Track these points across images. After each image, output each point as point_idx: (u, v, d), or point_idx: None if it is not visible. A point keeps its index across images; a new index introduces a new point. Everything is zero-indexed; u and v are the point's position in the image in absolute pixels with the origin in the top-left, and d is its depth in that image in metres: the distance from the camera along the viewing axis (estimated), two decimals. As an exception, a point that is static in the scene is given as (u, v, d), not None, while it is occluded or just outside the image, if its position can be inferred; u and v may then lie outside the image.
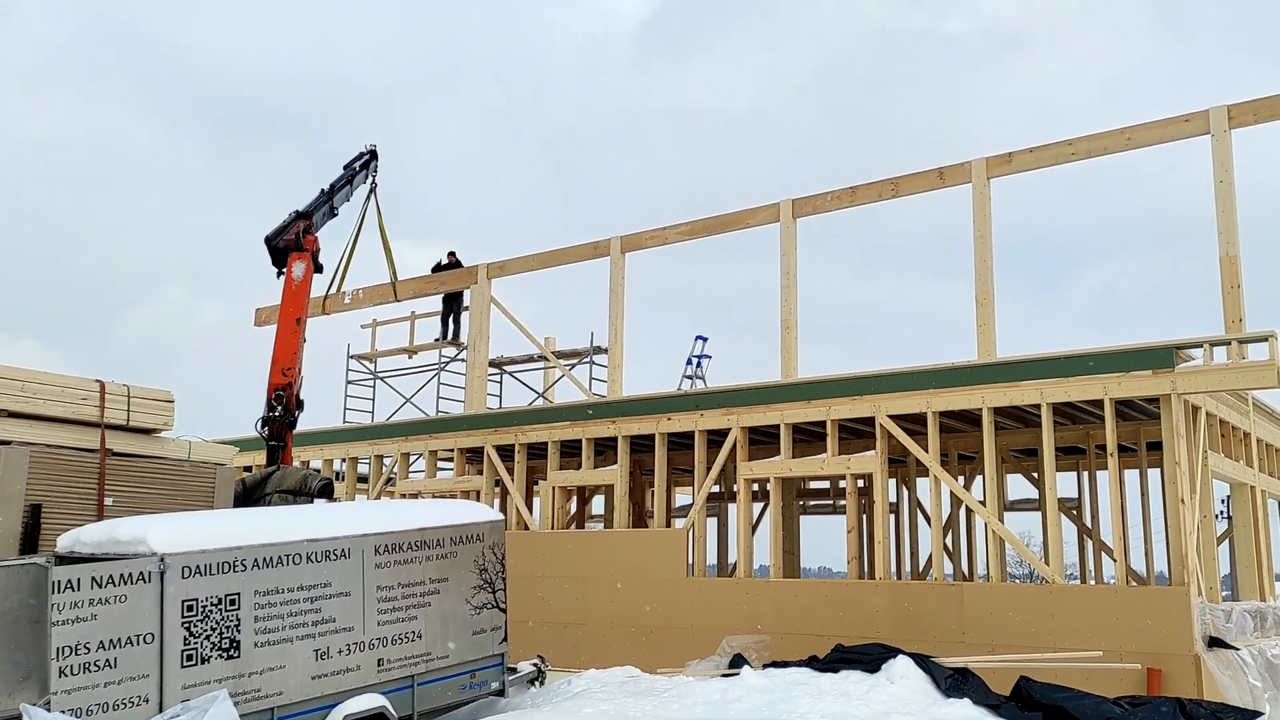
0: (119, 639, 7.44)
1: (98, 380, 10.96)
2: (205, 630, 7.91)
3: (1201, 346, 11.93)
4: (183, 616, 7.79)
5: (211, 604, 7.98)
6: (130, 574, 7.57)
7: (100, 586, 7.41)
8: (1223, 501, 21.16)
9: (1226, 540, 15.82)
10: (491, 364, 21.96)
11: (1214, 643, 11.64)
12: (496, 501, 18.66)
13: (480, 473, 18.18)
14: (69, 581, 7.29)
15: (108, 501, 10.56)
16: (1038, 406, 12.91)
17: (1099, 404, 12.83)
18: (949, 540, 18.18)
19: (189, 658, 7.79)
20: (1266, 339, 11.59)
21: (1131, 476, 16.91)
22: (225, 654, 8.01)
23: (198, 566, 7.94)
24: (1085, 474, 17.44)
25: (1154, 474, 16.32)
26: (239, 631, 8.12)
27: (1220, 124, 13.40)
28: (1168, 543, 12.05)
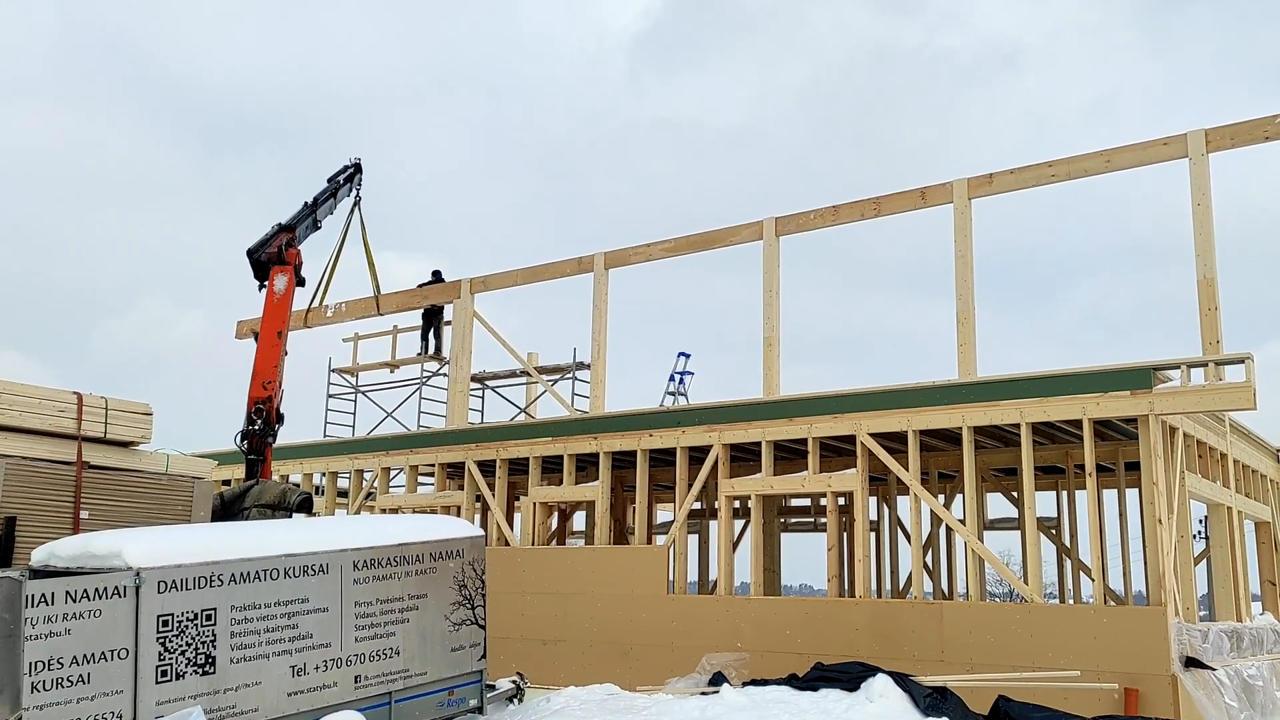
0: (93, 654, 7.37)
1: (75, 392, 10.90)
2: (180, 646, 7.84)
3: (1179, 368, 12.02)
4: (158, 632, 7.72)
5: (187, 619, 7.91)
6: (105, 588, 7.51)
7: (75, 601, 7.34)
8: (1200, 522, 21.30)
9: (1204, 561, 15.92)
10: (473, 379, 21.92)
11: (1191, 663, 11.69)
12: (477, 517, 18.60)
13: (461, 488, 18.12)
14: (43, 595, 7.22)
15: (84, 515, 10.47)
16: (1017, 426, 12.98)
17: (1078, 424, 12.90)
18: (929, 559, 18.26)
19: (163, 673, 7.72)
20: (1243, 361, 11.68)
21: (1110, 496, 16.98)
22: (200, 670, 7.94)
23: (174, 581, 7.88)
24: (1064, 493, 17.54)
25: (1132, 494, 16.43)
26: (215, 647, 8.05)
27: (1198, 148, 13.53)
28: (1145, 563, 12.11)
